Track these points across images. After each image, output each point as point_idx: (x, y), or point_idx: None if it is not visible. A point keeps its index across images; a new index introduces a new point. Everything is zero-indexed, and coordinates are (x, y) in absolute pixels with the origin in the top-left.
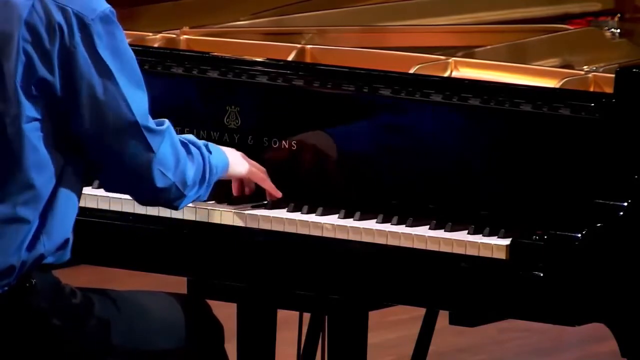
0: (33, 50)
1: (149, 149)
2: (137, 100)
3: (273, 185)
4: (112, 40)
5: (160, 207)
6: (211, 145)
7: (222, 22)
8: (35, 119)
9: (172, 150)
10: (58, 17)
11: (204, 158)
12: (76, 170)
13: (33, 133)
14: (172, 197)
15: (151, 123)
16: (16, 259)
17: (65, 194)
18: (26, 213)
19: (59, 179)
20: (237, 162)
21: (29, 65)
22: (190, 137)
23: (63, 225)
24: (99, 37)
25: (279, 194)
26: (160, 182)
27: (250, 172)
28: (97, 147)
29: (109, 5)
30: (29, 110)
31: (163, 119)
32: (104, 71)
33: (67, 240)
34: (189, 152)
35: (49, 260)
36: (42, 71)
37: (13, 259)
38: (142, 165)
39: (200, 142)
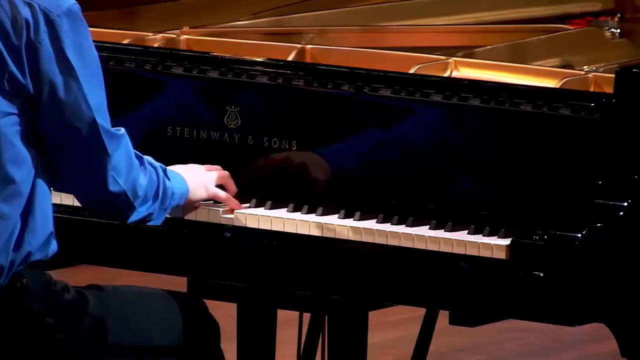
0: (2, 45)
1: (105, 151)
2: (98, 100)
3: (236, 202)
4: (77, 37)
5: None
6: (170, 171)
7: (222, 22)
8: (11, 114)
9: (125, 157)
10: (24, 12)
11: (158, 177)
12: (46, 166)
13: (9, 128)
14: (120, 206)
15: (109, 126)
16: (4, 259)
17: (42, 189)
18: (7, 210)
19: (35, 174)
20: (197, 188)
21: (0, 61)
22: (149, 158)
23: (44, 221)
24: (64, 34)
25: (240, 207)
26: (112, 187)
27: (212, 194)
28: (55, 144)
29: (74, 1)
30: (3, 105)
31: (119, 127)
32: (67, 69)
33: (50, 235)
34: (142, 164)
35: (37, 257)
36: (13, 67)
37: (1, 259)
38: (96, 167)
39: (158, 165)
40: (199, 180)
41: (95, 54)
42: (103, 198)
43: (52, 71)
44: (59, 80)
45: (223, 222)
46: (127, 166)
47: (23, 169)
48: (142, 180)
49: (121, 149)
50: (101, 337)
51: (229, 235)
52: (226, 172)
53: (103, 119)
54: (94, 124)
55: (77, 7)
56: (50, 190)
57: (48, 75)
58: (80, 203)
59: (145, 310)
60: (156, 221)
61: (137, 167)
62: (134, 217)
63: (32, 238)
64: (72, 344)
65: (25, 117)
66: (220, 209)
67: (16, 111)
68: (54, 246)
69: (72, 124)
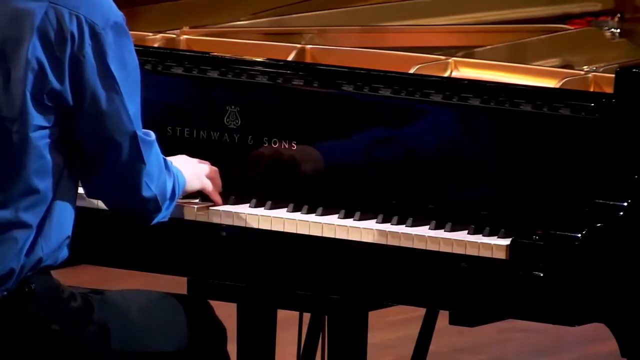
0: (45, 58)
1: (142, 159)
2: (135, 110)
3: (219, 197)
4: (121, 50)
5: None
6: (171, 165)
7: (222, 22)
8: (44, 127)
9: (157, 163)
10: (71, 24)
11: (174, 175)
12: (72, 172)
13: (41, 140)
14: (151, 209)
15: (143, 133)
16: (16, 264)
17: (62, 196)
18: (28, 218)
19: (58, 182)
20: (192, 179)
21: (40, 73)
22: None
23: (60, 229)
24: (109, 47)
25: (221, 204)
26: (145, 192)
27: (203, 186)
28: (92, 152)
29: (121, 13)
30: (38, 119)
31: (149, 131)
32: (110, 82)
33: (64, 242)
34: (167, 167)
35: (47, 262)
36: (54, 80)
37: (13, 263)
38: (133, 175)
39: (168, 162)
40: (193, 171)
41: (137, 63)
42: (134, 203)
43: (94, 83)
44: (101, 92)
45: (223, 222)
46: (158, 171)
47: (48, 179)
48: (169, 184)
49: (153, 155)
50: (107, 342)
51: (229, 235)
52: (215, 168)
53: (140, 129)
54: (133, 135)
55: (122, 20)
56: (75, 197)
57: (91, 87)
58: (108, 207)
59: (150, 315)
60: (165, 218)
61: (164, 171)
62: (158, 218)
63: (44, 244)
64: (77, 349)
65: (59, 127)
66: (220, 209)
67: (50, 124)
68: (64, 252)
69: (111, 135)
